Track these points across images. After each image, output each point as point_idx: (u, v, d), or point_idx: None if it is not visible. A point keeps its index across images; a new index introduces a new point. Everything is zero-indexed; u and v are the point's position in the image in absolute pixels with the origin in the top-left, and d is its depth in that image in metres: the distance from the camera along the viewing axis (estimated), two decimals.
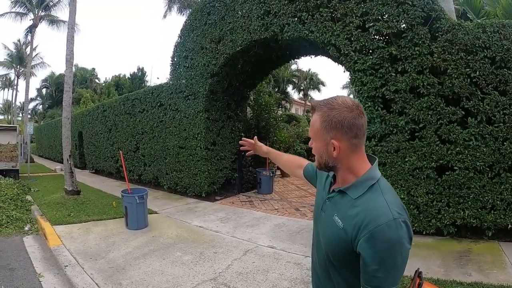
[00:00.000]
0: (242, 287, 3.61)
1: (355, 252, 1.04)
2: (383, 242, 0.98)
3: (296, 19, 5.99)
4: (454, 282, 3.44)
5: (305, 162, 1.71)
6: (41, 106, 46.07)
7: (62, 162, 9.42)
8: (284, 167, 1.88)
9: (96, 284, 3.70)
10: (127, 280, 3.79)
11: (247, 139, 2.00)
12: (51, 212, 6.76)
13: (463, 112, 4.61)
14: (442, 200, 4.73)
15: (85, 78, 42.54)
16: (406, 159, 4.91)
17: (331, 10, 5.47)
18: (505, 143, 4.41)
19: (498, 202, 4.44)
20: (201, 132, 7.96)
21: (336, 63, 6.10)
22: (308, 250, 4.50)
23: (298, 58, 8.85)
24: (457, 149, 4.61)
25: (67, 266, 4.22)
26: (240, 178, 9.14)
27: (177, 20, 56.90)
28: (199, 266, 4.15)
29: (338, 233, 1.10)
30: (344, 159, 1.13)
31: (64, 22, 23.16)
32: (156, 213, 6.94)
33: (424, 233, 4.82)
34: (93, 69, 45.29)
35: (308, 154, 17.16)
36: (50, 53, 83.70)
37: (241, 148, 2.06)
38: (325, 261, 1.20)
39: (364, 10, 5.14)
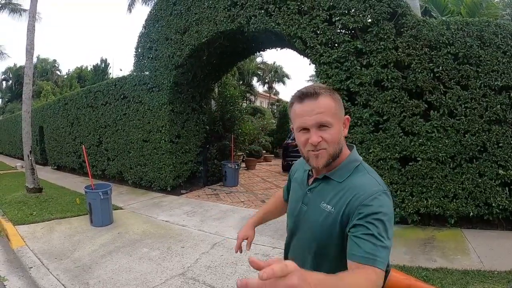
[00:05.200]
0: (212, 280, 3.35)
1: (346, 235, 0.92)
2: (378, 206, 0.90)
3: (262, 11, 5.57)
4: (420, 268, 3.37)
5: (281, 192, 1.56)
6: (0, 100, 42.00)
7: (23, 159, 8.35)
8: (279, 213, 1.62)
9: (63, 285, 3.34)
10: (94, 279, 3.44)
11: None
12: (12, 212, 6.03)
13: (426, 105, 4.50)
14: (406, 190, 4.60)
15: (46, 70, 39.18)
16: (370, 151, 4.73)
17: (298, 3, 5.14)
18: (466, 135, 4.35)
19: (460, 191, 4.38)
20: (165, 125, 7.34)
21: (302, 56, 5.80)
22: (275, 241, 4.33)
23: (264, 51, 8.45)
24: (420, 140, 4.49)
25: (31, 267, 3.79)
26: (205, 171, 8.60)
27: (142, 11, 53.79)
28: (167, 262, 3.83)
29: (327, 218, 0.99)
30: (342, 141, 1.05)
31: (25, 10, 20.74)
32: (121, 208, 6.33)
33: None
34: (55, 60, 41.64)
35: (273, 147, 16.61)
36: (11, 43, 76.43)
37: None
38: (312, 258, 1.06)
39: (331, 4, 4.86)
